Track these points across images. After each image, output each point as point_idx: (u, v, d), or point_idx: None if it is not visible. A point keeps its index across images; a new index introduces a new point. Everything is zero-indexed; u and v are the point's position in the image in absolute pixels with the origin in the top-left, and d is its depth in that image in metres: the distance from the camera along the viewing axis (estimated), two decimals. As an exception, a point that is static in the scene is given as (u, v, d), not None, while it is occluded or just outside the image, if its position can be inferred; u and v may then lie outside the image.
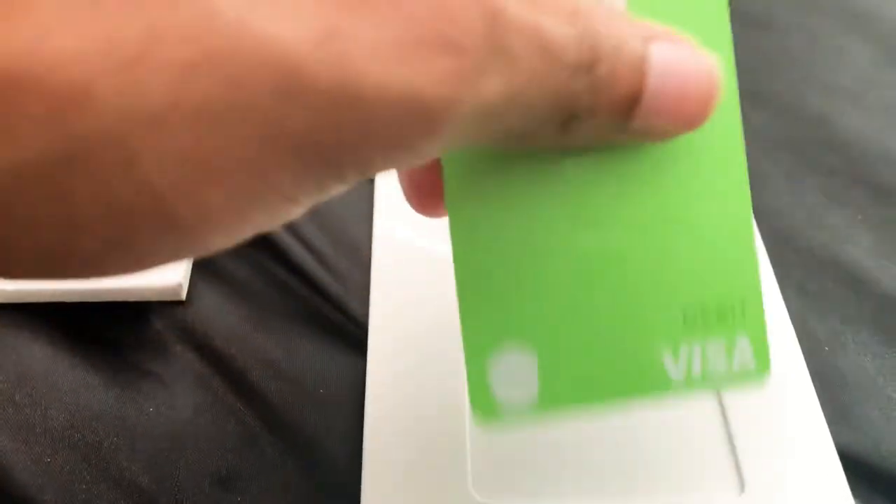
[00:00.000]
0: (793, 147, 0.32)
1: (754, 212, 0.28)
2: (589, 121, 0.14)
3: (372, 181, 0.30)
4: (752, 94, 0.34)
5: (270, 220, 0.12)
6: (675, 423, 0.23)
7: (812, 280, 0.28)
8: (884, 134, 0.32)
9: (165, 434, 0.23)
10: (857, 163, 0.31)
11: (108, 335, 0.25)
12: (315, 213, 0.29)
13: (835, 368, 0.25)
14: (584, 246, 0.18)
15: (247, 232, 0.12)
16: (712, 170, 0.18)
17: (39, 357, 0.25)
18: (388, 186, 0.29)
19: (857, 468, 0.23)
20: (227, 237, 0.11)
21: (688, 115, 0.14)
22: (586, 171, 0.18)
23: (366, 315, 0.25)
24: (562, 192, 0.18)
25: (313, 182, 0.11)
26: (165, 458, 0.23)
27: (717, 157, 0.18)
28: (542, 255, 0.18)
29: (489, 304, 0.18)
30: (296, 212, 0.12)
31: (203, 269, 0.27)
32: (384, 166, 0.12)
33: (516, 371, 0.17)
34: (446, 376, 0.23)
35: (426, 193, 0.18)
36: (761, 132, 0.32)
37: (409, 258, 0.26)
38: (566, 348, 0.18)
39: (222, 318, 0.26)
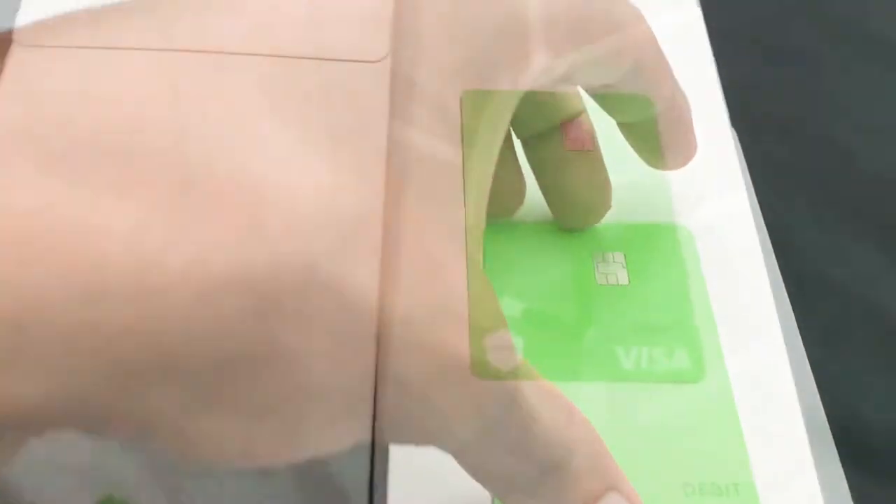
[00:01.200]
0: (819, 182, 0.31)
1: (777, 248, 0.28)
2: None
3: None
4: (779, 127, 0.33)
5: None
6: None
7: (836, 321, 0.27)
8: (913, 171, 0.31)
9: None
10: (886, 200, 0.31)
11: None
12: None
13: (859, 419, 0.24)
14: None
15: None
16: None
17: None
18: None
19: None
20: None
21: None
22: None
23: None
24: None
25: None
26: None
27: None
28: None
29: None
30: None
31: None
32: None
33: None
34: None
35: None
36: (787, 166, 0.32)
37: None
38: None
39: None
